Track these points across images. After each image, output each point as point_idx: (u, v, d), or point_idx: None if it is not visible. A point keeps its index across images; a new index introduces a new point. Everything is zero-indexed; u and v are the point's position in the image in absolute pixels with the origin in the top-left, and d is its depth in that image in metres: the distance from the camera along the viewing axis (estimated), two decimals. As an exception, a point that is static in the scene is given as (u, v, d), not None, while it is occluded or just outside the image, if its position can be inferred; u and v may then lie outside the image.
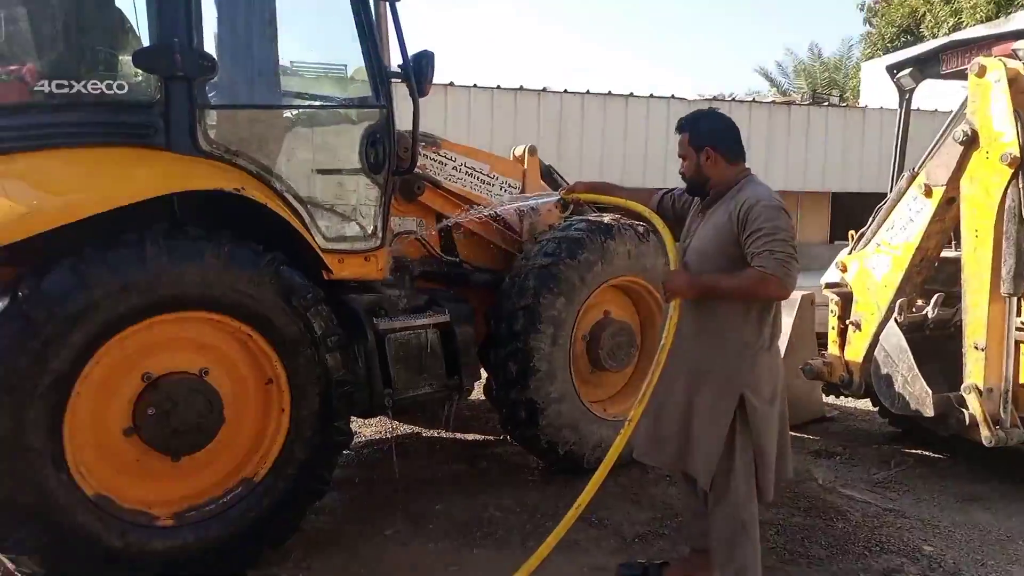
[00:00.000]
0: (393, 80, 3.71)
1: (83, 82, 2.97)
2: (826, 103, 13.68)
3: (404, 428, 5.56)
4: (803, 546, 3.64)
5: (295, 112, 3.64)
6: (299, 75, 4.13)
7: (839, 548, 3.62)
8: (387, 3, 3.66)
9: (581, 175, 10.90)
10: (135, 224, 2.86)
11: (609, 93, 10.81)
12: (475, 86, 10.19)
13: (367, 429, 5.49)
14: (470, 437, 5.35)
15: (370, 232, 3.75)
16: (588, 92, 10.68)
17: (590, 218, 4.50)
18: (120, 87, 3.05)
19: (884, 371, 4.29)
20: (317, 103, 3.87)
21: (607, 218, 4.49)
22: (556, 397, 4.20)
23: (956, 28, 15.95)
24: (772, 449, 2.80)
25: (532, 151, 4.79)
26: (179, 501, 3.12)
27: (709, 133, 2.83)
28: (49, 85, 2.93)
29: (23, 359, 2.65)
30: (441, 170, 4.36)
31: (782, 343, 5.50)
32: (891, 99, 5.07)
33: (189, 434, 3.05)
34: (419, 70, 3.69)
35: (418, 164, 4.17)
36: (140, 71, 3.08)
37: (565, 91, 10.59)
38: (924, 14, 17.70)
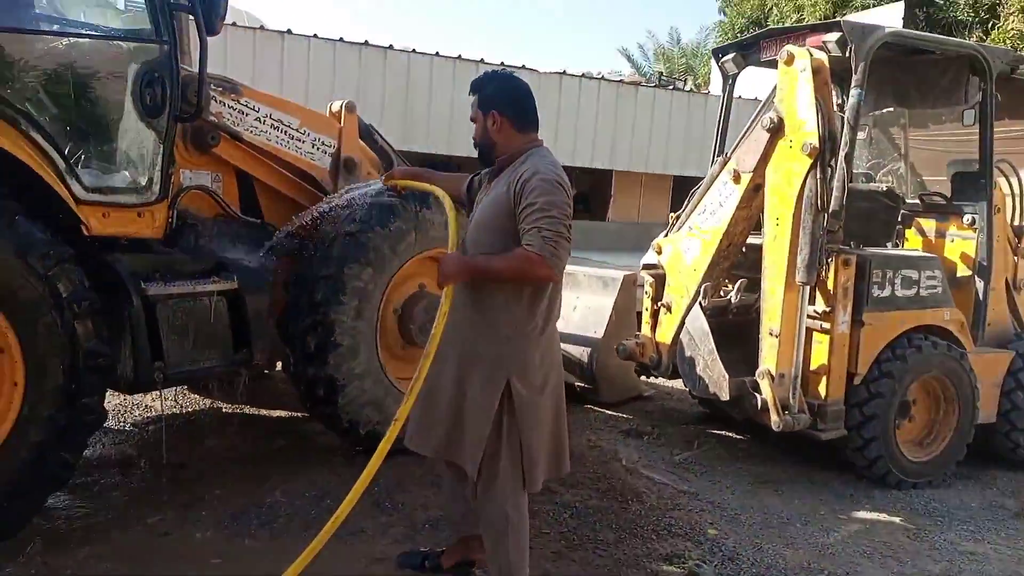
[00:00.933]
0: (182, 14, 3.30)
1: None
2: (671, 87, 14.04)
3: (203, 403, 5.14)
4: (594, 530, 3.61)
5: (51, 41, 3.12)
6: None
7: (629, 532, 3.62)
8: None
9: (429, 140, 10.62)
10: None
11: (459, 57, 10.52)
12: (316, 36, 9.57)
13: (159, 403, 5.03)
14: (275, 414, 5.01)
15: (144, 184, 3.34)
16: (437, 54, 10.34)
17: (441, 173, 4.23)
18: None
19: (688, 353, 4.35)
20: (79, 32, 3.35)
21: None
22: (359, 374, 3.94)
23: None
24: (540, 442, 2.68)
25: (350, 108, 4.44)
26: None
27: (496, 96, 2.66)
28: None
29: None
30: (242, 120, 3.94)
31: (601, 322, 5.59)
32: (740, 87, 5.12)
33: None
34: (208, 4, 3.28)
35: (213, 112, 3.78)
36: None
37: (413, 51, 10.19)
38: (771, 8, 18.56)
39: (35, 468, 2.89)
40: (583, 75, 12.00)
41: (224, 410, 5.05)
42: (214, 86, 3.76)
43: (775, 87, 3.97)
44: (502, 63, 10.66)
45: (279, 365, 4.40)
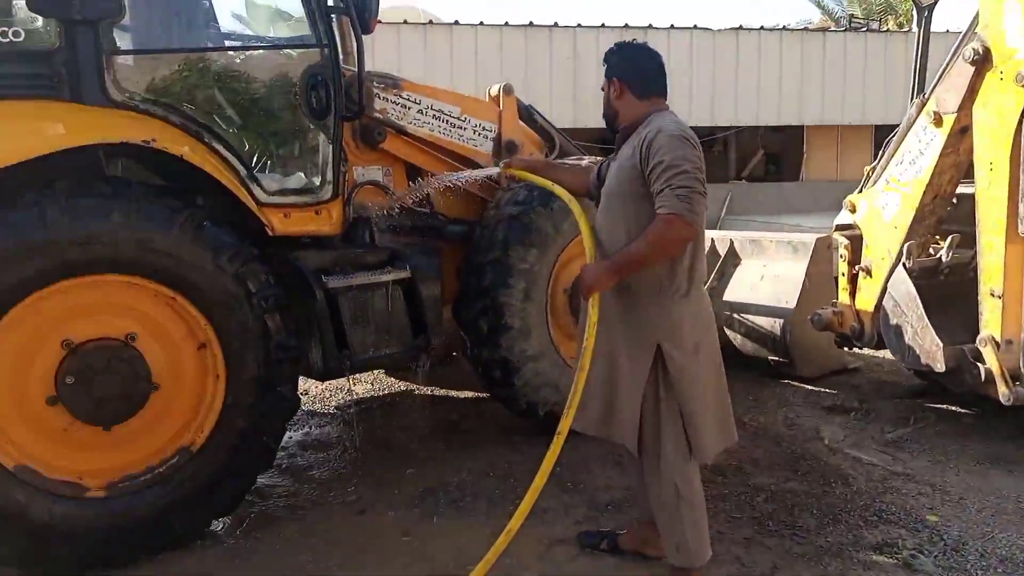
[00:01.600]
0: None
1: (-24, 31, 2.73)
2: (864, 29, 12.75)
3: (399, 386, 5.40)
4: (792, 515, 3.34)
5: (225, 55, 3.35)
6: (231, 14, 3.83)
7: (832, 517, 3.31)
8: None
9: (598, 115, 10.44)
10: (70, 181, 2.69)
11: (626, 26, 10.21)
12: (482, 24, 9.68)
13: (360, 387, 5.35)
14: (463, 395, 5.15)
15: (319, 184, 3.49)
16: (603, 26, 10.09)
17: (566, 162, 4.15)
18: (16, 35, 2.80)
19: (894, 321, 3.91)
20: (248, 44, 3.58)
21: (586, 160, 4.13)
22: (532, 355, 3.93)
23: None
24: (702, 406, 2.56)
25: (508, 90, 4.42)
26: (112, 471, 2.97)
27: (618, 65, 2.67)
28: (-59, 36, 2.71)
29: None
30: (405, 114, 4.03)
31: (793, 292, 5.18)
32: (944, 23, 4.54)
33: (114, 402, 2.90)
34: (362, 4, 3.37)
35: (378, 108, 3.90)
36: (36, 15, 2.83)
37: (579, 25, 10.02)
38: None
39: (241, 452, 3.14)
40: (761, 28, 11.23)
41: (417, 392, 5.27)
42: (376, 83, 3.88)
43: (976, 14, 3.42)
44: (672, 25, 10.23)
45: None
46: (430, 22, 9.54)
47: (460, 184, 3.81)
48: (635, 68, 2.65)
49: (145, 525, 2.96)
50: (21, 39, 2.80)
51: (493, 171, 3.50)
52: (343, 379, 5.11)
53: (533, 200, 3.85)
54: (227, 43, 3.60)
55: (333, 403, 5.07)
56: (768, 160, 15.63)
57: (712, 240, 5.86)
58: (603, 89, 2.73)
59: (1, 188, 2.59)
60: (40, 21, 2.85)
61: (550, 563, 3.02)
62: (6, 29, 2.77)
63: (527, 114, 4.59)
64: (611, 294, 2.60)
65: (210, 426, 3.10)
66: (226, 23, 3.74)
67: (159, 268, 2.86)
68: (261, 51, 3.55)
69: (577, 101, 9.81)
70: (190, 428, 3.09)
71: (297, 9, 3.34)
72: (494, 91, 4.43)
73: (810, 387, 5.16)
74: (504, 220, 3.86)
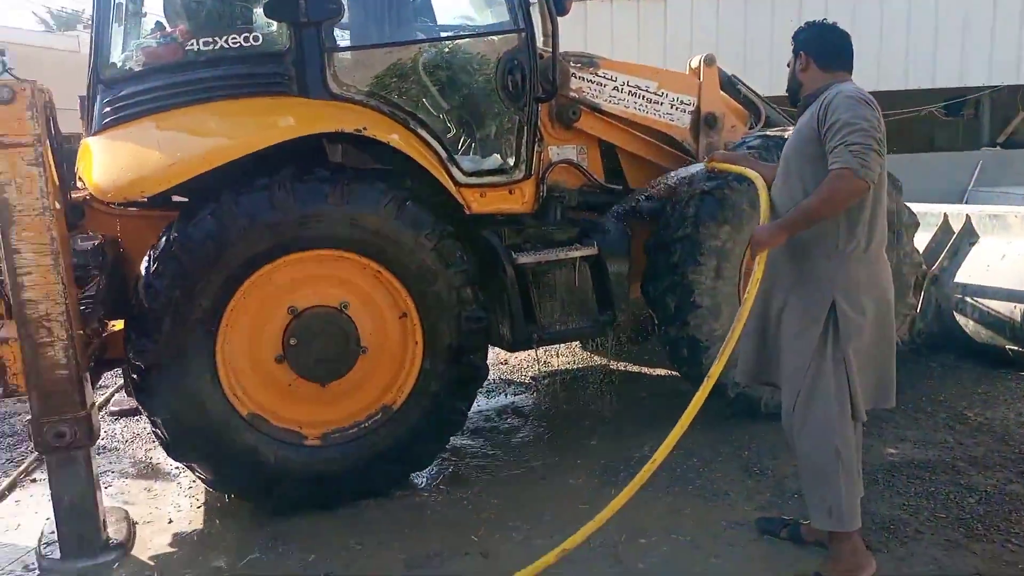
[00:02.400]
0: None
1: (224, 37, 3.18)
2: None
3: (593, 359, 5.52)
4: (1008, 520, 3.02)
5: (428, 46, 3.60)
6: (432, 7, 4.07)
7: (1058, 528, 2.95)
8: None
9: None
10: (295, 167, 3.06)
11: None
12: (697, -7, 9.39)
13: (556, 359, 5.53)
14: (653, 372, 5.16)
15: (513, 164, 3.67)
16: (832, -14, 9.35)
17: (768, 132, 3.98)
18: (255, 39, 3.22)
19: None
20: (449, 34, 3.80)
21: (789, 132, 3.93)
22: (722, 335, 3.84)
23: None
24: (865, 365, 2.58)
25: (709, 61, 4.32)
26: (326, 423, 3.36)
27: (806, 40, 2.75)
28: (197, 43, 3.19)
29: (177, 294, 2.99)
30: (600, 92, 4.10)
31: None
32: None
33: (328, 362, 3.27)
34: None
35: (573, 88, 4.00)
36: (272, 21, 3.23)
37: (803, -12, 9.37)
38: None
39: (435, 414, 3.41)
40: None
41: (609, 367, 5.36)
42: (573, 63, 3.96)
43: None
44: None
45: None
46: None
47: (682, 181, 3.91)
48: (822, 43, 2.71)
49: (351, 473, 3.31)
50: (259, 43, 3.22)
51: (699, 167, 3.56)
52: (542, 351, 5.35)
53: (729, 175, 3.74)
54: (430, 34, 3.84)
55: (529, 373, 5.30)
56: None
57: (945, 215, 5.33)
58: (788, 65, 2.80)
59: (239, 174, 3.01)
60: (274, 26, 3.25)
61: (724, 544, 3.00)
62: (248, 35, 3.20)
63: (729, 84, 4.45)
64: (783, 253, 2.66)
65: (408, 388, 3.40)
66: (432, 14, 3.99)
67: (367, 244, 3.18)
68: (463, 39, 3.76)
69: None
70: (391, 389, 3.41)
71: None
72: (694, 63, 4.35)
73: (1061, 381, 4.56)
74: (697, 196, 3.81)
